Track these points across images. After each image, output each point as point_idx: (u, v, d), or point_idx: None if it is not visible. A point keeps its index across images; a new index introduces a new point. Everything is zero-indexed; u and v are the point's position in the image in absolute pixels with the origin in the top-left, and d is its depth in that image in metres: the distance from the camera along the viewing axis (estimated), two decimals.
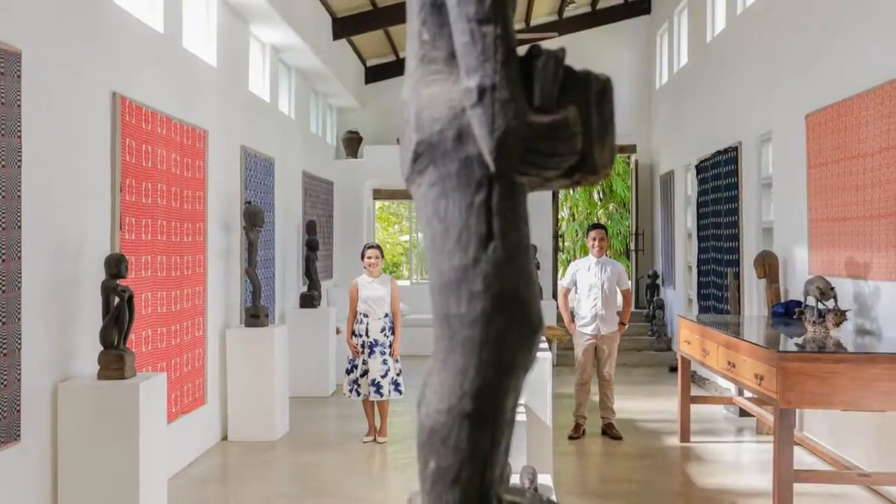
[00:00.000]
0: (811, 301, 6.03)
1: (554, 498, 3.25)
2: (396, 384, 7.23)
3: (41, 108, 4.48)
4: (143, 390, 4.69)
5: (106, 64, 5.30)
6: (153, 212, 5.92)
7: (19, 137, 4.21)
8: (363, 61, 13.81)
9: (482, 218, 1.31)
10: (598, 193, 19.52)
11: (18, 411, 4.22)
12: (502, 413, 1.35)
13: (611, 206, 19.49)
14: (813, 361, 4.80)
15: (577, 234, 19.41)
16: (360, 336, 7.24)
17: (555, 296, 12.37)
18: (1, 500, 4.15)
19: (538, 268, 11.78)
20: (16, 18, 4.30)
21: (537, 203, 12.04)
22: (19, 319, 4.21)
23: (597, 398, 7.75)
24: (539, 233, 12.46)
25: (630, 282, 9.18)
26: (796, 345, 5.59)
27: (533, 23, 13.73)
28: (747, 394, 7.35)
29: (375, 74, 14.10)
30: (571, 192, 18.86)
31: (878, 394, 4.69)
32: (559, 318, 9.93)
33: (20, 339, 4.22)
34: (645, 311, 13.19)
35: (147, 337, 5.78)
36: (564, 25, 13.79)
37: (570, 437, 7.50)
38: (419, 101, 1.37)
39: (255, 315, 7.56)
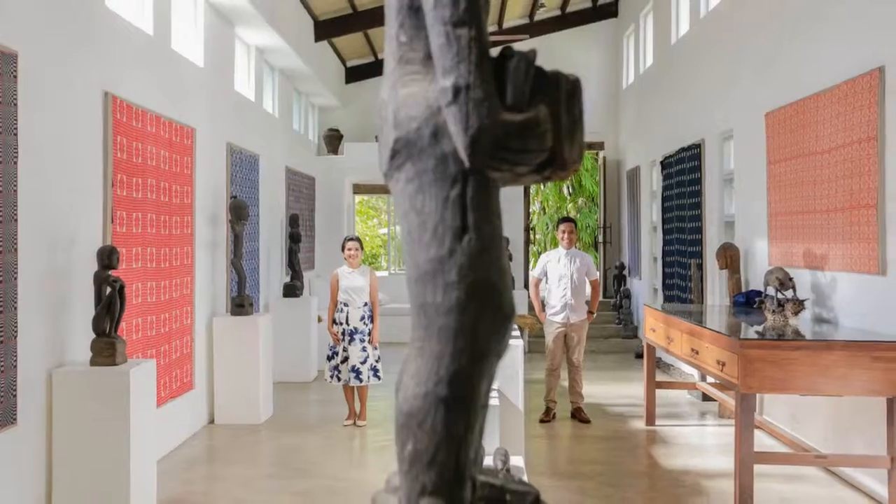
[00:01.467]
0: (771, 291, 6.11)
1: (525, 478, 3.45)
2: (375, 370, 7.37)
3: (36, 106, 4.55)
4: (134, 376, 4.77)
5: (98, 64, 5.37)
6: (143, 206, 6.00)
7: (15, 135, 4.28)
8: (343, 62, 13.92)
9: (457, 212, 1.34)
10: (568, 188, 19.63)
11: (14, 396, 4.29)
12: (476, 398, 1.37)
13: (580, 201, 19.61)
14: (772, 349, 4.86)
15: (547, 227, 19.54)
16: (341, 324, 7.37)
17: (526, 286, 12.58)
18: None
19: (510, 259, 11.90)
20: (12, 21, 4.36)
21: (510, 197, 12.20)
22: (16, 308, 4.28)
23: (566, 383, 7.88)
24: (511, 226, 12.64)
25: (598, 272, 9.29)
26: (756, 333, 5.63)
27: (505, 25, 13.90)
28: (710, 379, 7.46)
29: (355, 75, 14.23)
30: (542, 186, 19.06)
31: (834, 379, 4.76)
32: (531, 307, 10.12)
33: (16, 326, 4.28)
34: (612, 300, 13.40)
35: (137, 325, 5.87)
36: (536, 28, 14.00)
37: (541, 421, 7.62)
38: (397, 100, 1.40)
39: (241, 304, 7.66)
